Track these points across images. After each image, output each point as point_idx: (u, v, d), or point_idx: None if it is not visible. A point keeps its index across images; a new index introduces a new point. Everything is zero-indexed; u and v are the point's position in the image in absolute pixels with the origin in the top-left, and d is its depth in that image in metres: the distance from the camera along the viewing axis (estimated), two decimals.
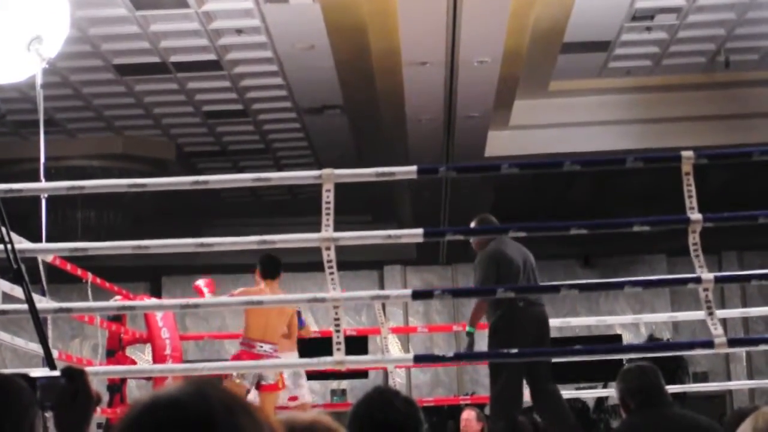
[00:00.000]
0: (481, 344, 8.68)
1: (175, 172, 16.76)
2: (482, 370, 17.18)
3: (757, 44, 14.48)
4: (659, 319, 18.41)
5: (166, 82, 14.41)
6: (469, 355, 7.75)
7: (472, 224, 8.25)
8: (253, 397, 9.21)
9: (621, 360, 17.65)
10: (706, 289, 6.36)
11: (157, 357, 10.00)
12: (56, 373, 2.61)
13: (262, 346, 8.87)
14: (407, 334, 20.07)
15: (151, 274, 20.72)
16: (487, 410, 9.08)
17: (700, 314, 8.16)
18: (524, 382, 7.97)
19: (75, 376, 2.60)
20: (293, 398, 9.95)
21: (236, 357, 9.15)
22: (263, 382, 8.91)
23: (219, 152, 17.38)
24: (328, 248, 6.24)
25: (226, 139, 16.83)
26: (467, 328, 7.91)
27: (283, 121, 16.03)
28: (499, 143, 15.83)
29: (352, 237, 6.92)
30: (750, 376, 21.09)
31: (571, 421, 7.73)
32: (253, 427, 1.24)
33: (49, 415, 2.69)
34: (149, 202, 16.61)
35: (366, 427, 3.22)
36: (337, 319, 6.40)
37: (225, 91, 14.80)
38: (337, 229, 6.41)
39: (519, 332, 7.60)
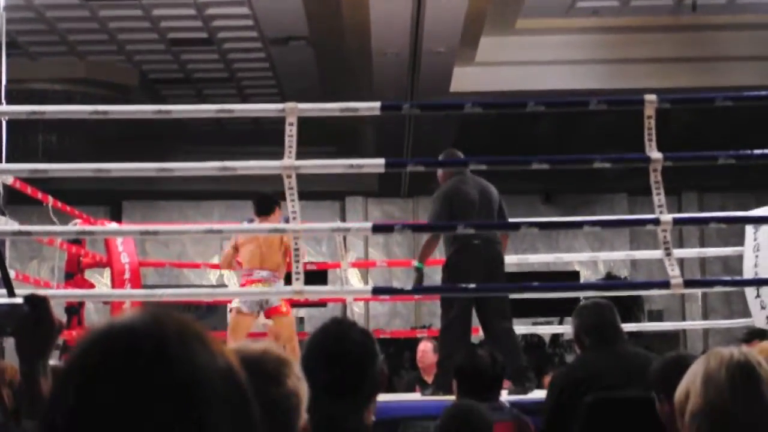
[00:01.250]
0: (435, 278, 8.72)
1: (137, 99, 16.67)
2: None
3: None
4: (617, 257, 18.57)
5: (131, 8, 14.29)
6: (427, 289, 7.81)
7: (440, 158, 8.24)
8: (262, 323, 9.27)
9: (578, 297, 17.79)
10: (664, 231, 6.43)
11: (116, 281, 10.00)
12: (19, 300, 2.62)
13: (259, 272, 8.91)
14: (366, 268, 20.13)
15: (111, 199, 20.62)
16: None
17: (658, 253, 8.24)
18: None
19: (37, 304, 2.61)
20: None
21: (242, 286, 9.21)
22: (267, 307, 8.95)
23: (182, 80, 17.28)
24: (289, 176, 6.25)
25: (190, 66, 16.74)
26: (416, 264, 7.89)
27: (248, 50, 15.95)
28: (465, 79, 15.83)
29: (314, 165, 6.94)
30: (705, 315, 21.32)
31: (521, 363, 7.76)
32: (207, 355, 1.26)
33: (3, 337, 2.70)
34: (111, 128, 16.50)
35: (321, 358, 3.24)
36: (296, 250, 6.43)
37: (190, 18, 14.70)
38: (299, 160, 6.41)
39: (471, 268, 7.61)
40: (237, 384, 1.29)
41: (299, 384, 2.44)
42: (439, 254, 8.15)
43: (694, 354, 4.54)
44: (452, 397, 7.06)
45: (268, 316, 9.04)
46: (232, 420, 1.26)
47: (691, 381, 2.86)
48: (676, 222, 6.79)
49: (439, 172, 8.26)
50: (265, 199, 9.15)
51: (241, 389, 1.29)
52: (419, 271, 7.82)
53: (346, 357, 3.22)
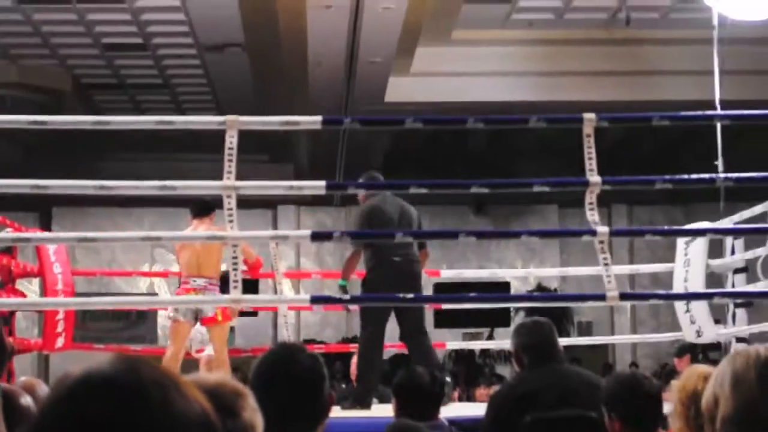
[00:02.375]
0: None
1: (71, 104, 16.53)
2: None
3: (657, 3, 14.68)
4: (550, 273, 18.72)
5: (66, 12, 14.17)
6: (364, 298, 7.82)
7: (360, 180, 8.31)
8: (196, 332, 9.24)
9: (508, 308, 17.86)
10: (601, 242, 6.46)
11: (49, 292, 9.88)
12: None
13: (195, 281, 8.86)
14: (299, 279, 20.07)
15: (41, 205, 20.38)
16: None
17: (591, 270, 8.28)
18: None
19: None
20: (200, 350, 10.03)
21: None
22: (201, 316, 8.91)
23: (116, 85, 17.15)
24: (229, 196, 6.21)
25: (124, 72, 16.62)
26: (339, 281, 8.05)
27: (183, 57, 15.87)
28: (400, 89, 15.87)
29: (254, 186, 6.90)
30: (633, 327, 21.54)
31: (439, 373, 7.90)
32: (184, 403, 1.26)
33: None
34: (43, 131, 16.34)
35: (269, 382, 3.24)
36: (234, 258, 6.40)
37: (125, 24, 14.60)
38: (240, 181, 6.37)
39: (389, 284, 7.66)
40: (212, 429, 1.29)
41: (255, 416, 2.43)
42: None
43: (645, 374, 4.61)
44: (369, 412, 7.20)
45: (204, 324, 9.02)
46: None
47: (718, 385, 2.77)
48: (613, 234, 6.84)
49: (360, 192, 8.31)
50: (201, 202, 9.12)
51: None
52: (343, 288, 7.96)
53: (295, 382, 3.22)
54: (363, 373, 7.92)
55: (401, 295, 7.31)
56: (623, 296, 6.82)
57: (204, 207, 9.04)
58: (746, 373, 2.70)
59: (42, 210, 20.70)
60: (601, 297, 6.42)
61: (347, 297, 7.15)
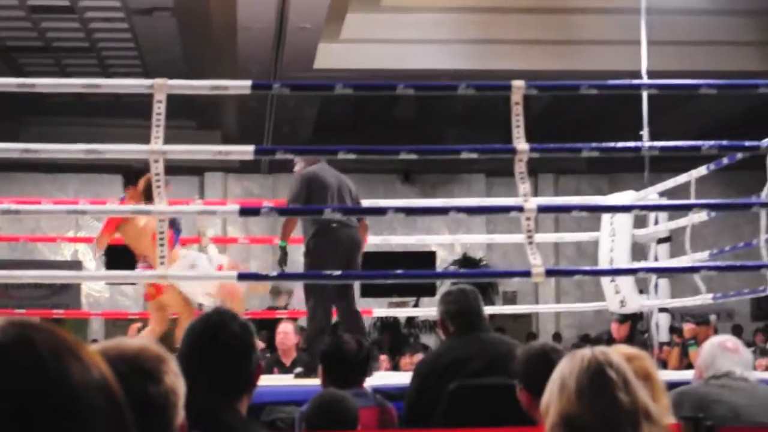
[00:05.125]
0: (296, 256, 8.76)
1: None
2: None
3: None
4: (478, 240, 18.79)
5: None
6: (291, 275, 7.81)
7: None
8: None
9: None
10: (528, 219, 6.49)
11: None
12: None
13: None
14: (226, 244, 19.94)
15: None
16: (302, 323, 9.24)
17: (516, 237, 8.32)
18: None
19: None
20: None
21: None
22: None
23: (42, 48, 16.88)
24: (156, 161, 6.14)
25: (50, 35, 16.35)
26: (279, 242, 8.06)
27: (110, 20, 15.64)
28: (329, 56, 15.81)
29: (182, 150, 6.84)
30: (557, 298, 21.73)
31: (365, 341, 7.95)
32: (82, 369, 1.20)
33: None
34: None
35: (197, 346, 3.24)
36: (161, 233, 6.34)
37: None
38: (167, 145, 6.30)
39: (330, 253, 7.68)
40: (112, 395, 1.23)
41: (177, 381, 2.41)
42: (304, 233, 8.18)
43: (557, 347, 4.62)
44: (315, 381, 7.16)
45: (147, 300, 8.75)
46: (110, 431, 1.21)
47: (550, 391, 2.79)
48: (540, 210, 6.87)
49: (297, 162, 8.27)
50: (130, 170, 8.73)
51: (116, 399, 1.23)
52: (283, 249, 7.95)
53: (222, 348, 3.21)
54: (315, 341, 7.79)
55: (329, 272, 7.29)
56: (549, 272, 6.86)
57: (135, 176, 8.66)
58: (569, 380, 2.69)
59: None
60: (527, 273, 6.45)
61: (273, 273, 7.11)
